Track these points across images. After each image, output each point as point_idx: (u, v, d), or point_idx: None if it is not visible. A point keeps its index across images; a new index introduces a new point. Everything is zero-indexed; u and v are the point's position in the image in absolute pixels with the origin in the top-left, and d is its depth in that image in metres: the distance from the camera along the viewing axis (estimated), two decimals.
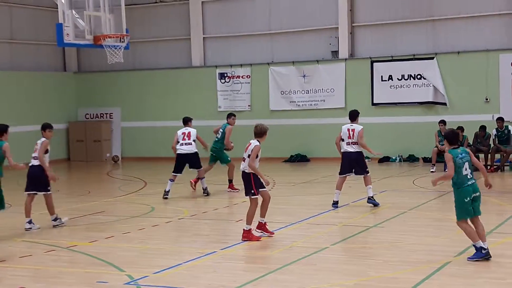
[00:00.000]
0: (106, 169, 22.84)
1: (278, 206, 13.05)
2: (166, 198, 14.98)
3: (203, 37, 24.52)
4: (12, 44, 24.09)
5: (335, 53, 22.65)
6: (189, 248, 10.21)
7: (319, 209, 13.14)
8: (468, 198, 8.80)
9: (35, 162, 11.76)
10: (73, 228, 11.96)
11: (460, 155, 8.82)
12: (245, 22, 23.93)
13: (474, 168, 8.99)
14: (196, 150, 15.23)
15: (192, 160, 15.20)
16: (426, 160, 20.90)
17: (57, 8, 16.14)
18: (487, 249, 8.80)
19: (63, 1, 15.98)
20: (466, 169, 8.80)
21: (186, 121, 15.49)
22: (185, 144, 15.15)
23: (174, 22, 24.96)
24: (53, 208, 11.93)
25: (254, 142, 10.42)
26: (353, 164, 13.27)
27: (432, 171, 18.74)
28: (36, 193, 11.85)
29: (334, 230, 11.38)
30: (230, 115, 16.13)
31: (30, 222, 11.80)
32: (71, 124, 25.65)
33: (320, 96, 22.77)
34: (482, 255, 8.75)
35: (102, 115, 25.93)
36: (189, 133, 15.22)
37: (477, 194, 8.88)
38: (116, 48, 16.62)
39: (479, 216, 8.94)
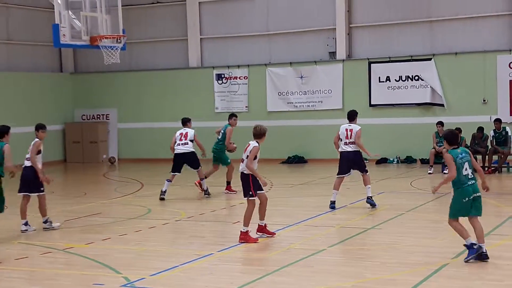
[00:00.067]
0: (102, 171, 22.79)
1: (275, 207, 13.02)
2: (162, 198, 14.95)
3: (200, 38, 24.49)
4: (9, 45, 24.03)
5: (332, 54, 22.63)
6: (186, 250, 10.17)
7: (316, 210, 13.11)
8: (467, 198, 8.78)
9: (28, 163, 11.68)
10: (69, 230, 11.92)
11: (460, 155, 8.79)
12: (243, 23, 23.90)
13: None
14: (193, 150, 15.23)
15: (189, 159, 15.20)
16: (424, 161, 20.89)
17: (54, 9, 16.10)
18: (486, 251, 8.78)
19: (59, 2, 15.94)
20: (466, 169, 8.77)
21: (185, 122, 15.50)
22: (182, 144, 15.17)
23: (171, 22, 24.93)
24: (45, 210, 11.84)
25: (253, 143, 10.42)
26: (351, 164, 13.28)
27: (429, 173, 18.72)
28: (28, 195, 11.77)
29: (332, 232, 11.35)
30: (232, 116, 16.09)
31: (26, 224, 11.75)
32: (67, 125, 25.60)
33: (317, 97, 22.75)
34: (474, 251, 8.75)
35: (98, 116, 25.88)
36: (186, 133, 15.25)
37: (477, 194, 8.85)
38: (112, 49, 16.58)
39: (478, 217, 8.92)
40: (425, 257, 9.21)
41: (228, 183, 15.84)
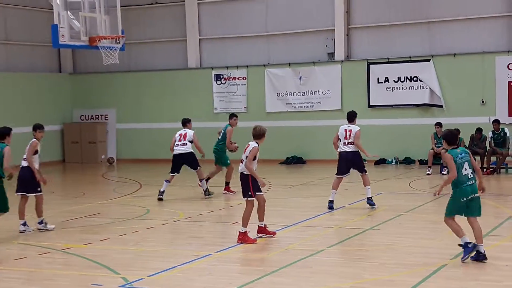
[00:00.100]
0: (101, 171, 22.77)
1: (274, 208, 13.01)
2: (160, 199, 14.94)
3: (199, 39, 24.48)
4: (7, 45, 24.02)
5: (331, 55, 22.64)
6: (184, 250, 10.17)
7: (315, 211, 13.11)
8: (465, 198, 8.79)
9: (25, 164, 11.66)
10: (68, 230, 11.91)
11: (460, 155, 8.80)
12: (241, 24, 23.90)
13: None
14: (192, 151, 15.21)
15: (187, 160, 15.19)
16: (422, 162, 20.89)
17: (53, 9, 16.09)
18: (484, 252, 8.79)
19: (58, 2, 15.92)
20: (466, 169, 8.78)
21: (185, 123, 15.50)
22: (181, 144, 15.17)
23: (170, 23, 24.92)
24: (41, 211, 11.79)
25: (252, 144, 10.44)
26: (350, 164, 13.33)
27: (428, 174, 18.73)
28: (26, 195, 11.75)
29: (330, 233, 11.35)
30: (232, 116, 16.08)
31: (24, 224, 11.74)
32: (66, 126, 25.58)
33: (316, 98, 22.75)
34: (470, 249, 8.77)
35: (97, 116, 25.86)
36: (185, 134, 15.24)
37: (476, 195, 8.85)
38: (111, 49, 16.57)
39: (477, 218, 8.93)
40: (423, 258, 9.22)
41: (227, 183, 15.84)
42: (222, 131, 15.89)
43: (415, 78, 21.53)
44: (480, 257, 8.78)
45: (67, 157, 25.45)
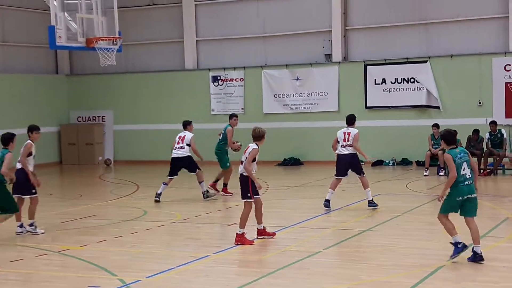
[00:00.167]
0: (98, 173, 22.75)
1: (271, 209, 13.00)
2: (157, 200, 14.92)
3: (196, 40, 24.48)
4: (4, 46, 23.99)
5: (328, 56, 22.65)
6: (182, 252, 10.16)
7: (312, 212, 13.11)
8: (461, 198, 8.79)
9: (19, 166, 11.59)
10: (65, 232, 11.89)
11: (459, 155, 8.80)
12: (239, 25, 23.90)
13: None
14: (189, 154, 15.11)
15: (185, 163, 15.13)
16: (420, 163, 20.90)
17: (49, 11, 16.06)
18: (481, 253, 8.80)
19: (55, 4, 15.90)
20: (464, 169, 8.78)
21: (185, 125, 15.41)
22: (179, 148, 15.11)
23: (167, 24, 24.91)
24: (33, 213, 11.67)
25: (252, 146, 10.46)
26: (348, 166, 13.40)
27: (425, 175, 18.74)
28: (21, 197, 11.70)
29: (327, 234, 11.35)
30: (232, 116, 16.05)
31: (21, 226, 11.70)
32: (63, 127, 25.55)
33: (313, 99, 22.75)
34: (459, 249, 8.82)
35: (94, 118, 25.84)
36: (184, 136, 15.15)
37: (472, 195, 8.85)
38: (108, 51, 16.54)
39: (474, 218, 8.94)
40: (420, 259, 9.22)
41: (225, 185, 15.82)
42: (222, 132, 15.87)
43: (412, 80, 21.55)
44: (477, 258, 8.79)
45: (64, 158, 25.42)
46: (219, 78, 23.96)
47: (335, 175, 13.46)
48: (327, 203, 13.30)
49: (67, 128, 25.54)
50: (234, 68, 23.77)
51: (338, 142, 13.40)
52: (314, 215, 12.83)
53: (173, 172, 15.16)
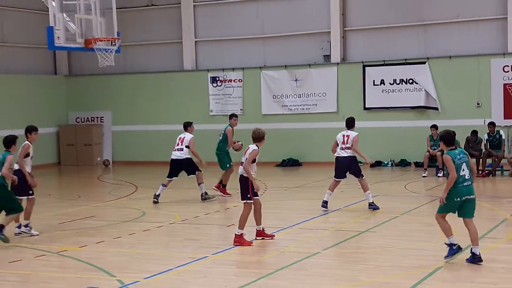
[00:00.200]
0: (96, 173, 22.74)
1: (270, 210, 13.00)
2: (155, 201, 14.91)
3: (195, 41, 24.48)
4: (3, 47, 23.98)
5: (327, 57, 22.66)
6: (180, 253, 10.16)
7: (311, 213, 13.11)
8: (459, 199, 8.78)
9: (17, 167, 11.56)
10: (63, 233, 11.88)
11: (458, 156, 8.80)
12: (237, 26, 23.91)
13: None
14: (188, 156, 15.04)
15: (183, 165, 15.08)
16: (418, 164, 20.91)
17: (48, 11, 16.05)
18: (479, 254, 8.80)
19: (54, 4, 15.88)
20: (463, 170, 8.78)
21: (185, 126, 15.31)
22: (178, 149, 15.07)
23: (166, 25, 24.91)
24: (29, 214, 11.61)
25: (252, 147, 10.46)
26: (347, 169, 13.44)
27: (424, 176, 18.75)
28: (18, 198, 11.65)
29: (326, 235, 11.35)
30: (232, 116, 16.02)
31: (19, 227, 11.69)
32: (61, 128, 25.54)
33: (312, 100, 22.76)
34: (454, 251, 8.84)
35: (93, 118, 25.83)
36: (183, 138, 15.09)
37: (471, 196, 8.85)
38: (107, 52, 16.53)
39: (472, 219, 8.94)
40: (419, 260, 9.23)
41: (224, 186, 15.81)
42: (223, 132, 15.87)
43: (410, 81, 21.57)
44: (476, 260, 8.79)
45: (62, 159, 25.40)
46: (217, 79, 23.96)
47: (334, 177, 13.51)
48: (324, 204, 13.35)
49: (65, 129, 25.53)
50: (233, 69, 23.77)
51: (337, 144, 13.44)
52: (313, 216, 12.83)
53: (172, 174, 15.13)
